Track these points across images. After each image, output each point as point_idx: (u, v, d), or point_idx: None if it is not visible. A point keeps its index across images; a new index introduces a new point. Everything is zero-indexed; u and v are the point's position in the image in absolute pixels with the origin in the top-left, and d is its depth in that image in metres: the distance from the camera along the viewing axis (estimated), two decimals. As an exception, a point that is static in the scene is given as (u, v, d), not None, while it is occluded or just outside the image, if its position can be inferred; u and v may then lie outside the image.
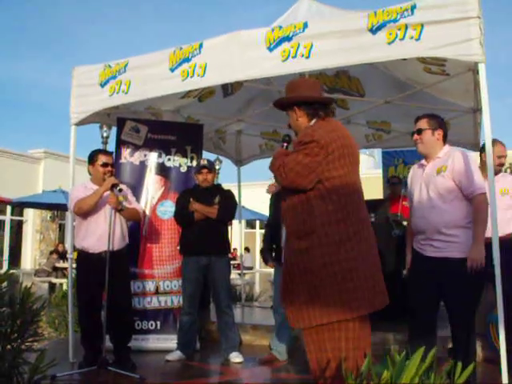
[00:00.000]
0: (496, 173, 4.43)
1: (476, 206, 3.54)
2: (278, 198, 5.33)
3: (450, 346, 4.15)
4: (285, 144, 3.31)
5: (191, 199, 5.14)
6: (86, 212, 4.69)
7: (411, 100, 6.25)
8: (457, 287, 3.46)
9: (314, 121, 3.17)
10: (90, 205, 4.65)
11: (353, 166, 3.10)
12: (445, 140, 3.78)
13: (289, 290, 3.10)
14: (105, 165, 4.85)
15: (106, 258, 4.60)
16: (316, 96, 3.23)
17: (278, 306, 5.33)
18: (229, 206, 5.35)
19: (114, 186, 4.69)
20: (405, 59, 4.78)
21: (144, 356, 5.09)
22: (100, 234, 4.71)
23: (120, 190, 4.74)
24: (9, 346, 3.27)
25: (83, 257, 4.79)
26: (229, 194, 5.45)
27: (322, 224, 2.96)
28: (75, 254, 4.96)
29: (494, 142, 4.31)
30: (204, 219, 5.13)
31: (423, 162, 3.79)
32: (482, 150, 4.54)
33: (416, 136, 3.75)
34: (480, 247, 3.45)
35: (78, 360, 4.77)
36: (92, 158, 4.90)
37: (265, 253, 5.44)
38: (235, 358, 5.10)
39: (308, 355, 3.08)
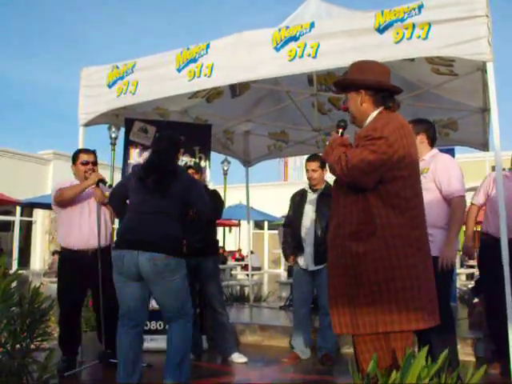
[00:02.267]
0: None
1: (453, 207, 3.69)
2: (301, 199, 5.34)
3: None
4: (340, 130, 2.98)
5: None
6: (65, 201, 4.63)
7: (419, 100, 6.23)
8: None
9: (379, 109, 2.90)
10: (71, 194, 4.60)
11: (416, 167, 2.91)
12: (432, 143, 3.91)
13: (340, 294, 2.84)
14: (85, 163, 4.80)
15: (91, 255, 4.62)
16: (389, 84, 2.93)
17: (298, 307, 5.34)
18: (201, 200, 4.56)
19: (100, 181, 4.69)
20: (412, 60, 4.78)
21: (154, 356, 5.09)
22: (85, 230, 4.68)
23: (110, 186, 4.76)
24: (18, 345, 3.29)
25: (67, 255, 4.72)
26: (212, 192, 5.33)
27: (383, 227, 2.73)
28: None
29: None
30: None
31: None
32: None
33: None
34: (452, 247, 3.61)
35: (86, 358, 4.79)
36: (74, 158, 4.87)
37: (286, 248, 5.41)
38: (238, 358, 5.11)
39: (362, 364, 2.78)
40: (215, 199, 5.23)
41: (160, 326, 5.56)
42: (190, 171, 5.03)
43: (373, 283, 2.71)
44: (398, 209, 2.74)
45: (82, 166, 4.79)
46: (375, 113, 2.90)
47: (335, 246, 2.88)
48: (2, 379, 2.95)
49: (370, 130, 2.79)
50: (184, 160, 5.85)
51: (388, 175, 2.74)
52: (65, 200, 4.63)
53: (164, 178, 3.79)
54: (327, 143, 3.03)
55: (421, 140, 3.81)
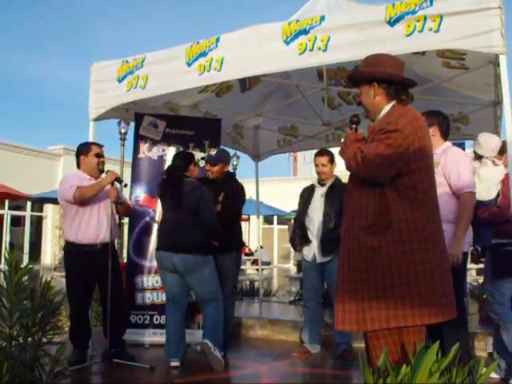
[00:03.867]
0: None
1: (461, 203, 3.61)
2: (309, 194, 5.33)
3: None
4: (353, 126, 2.95)
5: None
6: (86, 200, 4.65)
7: (429, 94, 6.18)
8: None
9: (392, 103, 2.88)
10: (92, 194, 4.63)
11: (430, 160, 2.87)
12: (445, 136, 3.82)
13: (347, 289, 2.80)
14: (98, 155, 4.84)
15: (100, 249, 4.66)
16: (403, 77, 2.89)
17: (307, 301, 5.34)
18: (229, 209, 5.00)
19: (116, 180, 4.72)
20: (423, 54, 4.74)
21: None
22: (96, 225, 4.71)
23: (126, 185, 4.80)
24: (30, 339, 3.31)
25: (76, 249, 4.72)
26: (235, 190, 5.11)
27: (398, 220, 2.70)
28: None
29: None
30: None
31: None
32: None
33: None
34: (458, 243, 3.53)
35: (96, 353, 4.82)
36: (85, 149, 4.87)
37: (294, 239, 5.38)
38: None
39: (374, 359, 2.75)
40: (237, 196, 5.09)
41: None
42: (207, 167, 5.04)
43: (386, 277, 2.68)
44: (414, 202, 2.72)
45: (96, 159, 4.82)
46: (388, 106, 2.88)
47: (348, 239, 2.85)
48: (14, 371, 2.97)
49: (384, 124, 2.78)
50: (202, 155, 5.77)
51: (405, 169, 2.72)
52: (86, 199, 4.65)
53: (176, 195, 4.64)
54: (342, 140, 3.01)
55: (433, 133, 3.70)
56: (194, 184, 4.73)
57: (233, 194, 5.06)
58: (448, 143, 3.82)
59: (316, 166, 5.27)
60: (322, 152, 5.31)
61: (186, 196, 4.62)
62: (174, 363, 4.65)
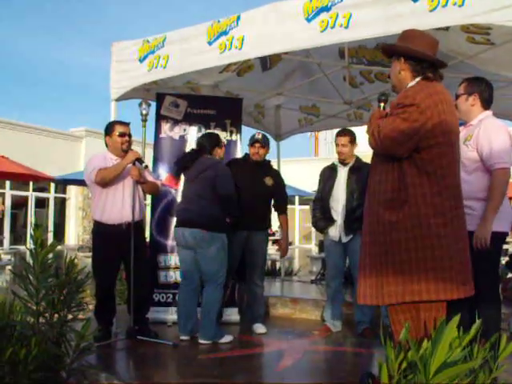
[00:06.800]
0: None
1: (492, 180, 3.32)
2: (330, 173, 5.33)
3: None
4: (381, 104, 2.99)
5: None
6: (107, 182, 4.68)
7: (453, 71, 6.07)
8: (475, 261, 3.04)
9: (417, 79, 2.87)
10: (113, 175, 4.65)
11: (452, 135, 2.81)
12: (486, 105, 3.55)
13: (369, 264, 2.82)
14: (122, 134, 4.82)
15: (126, 229, 4.69)
16: (427, 54, 2.86)
17: (330, 280, 5.36)
18: (285, 195, 5.59)
19: (137, 160, 4.73)
20: (447, 29, 4.64)
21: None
22: (120, 205, 4.73)
23: (146, 167, 4.81)
24: (56, 315, 3.38)
25: (102, 229, 4.78)
26: (280, 179, 5.55)
27: (415, 195, 2.69)
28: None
29: None
30: (251, 197, 5.15)
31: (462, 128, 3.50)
32: None
33: (454, 101, 3.46)
34: (486, 225, 3.26)
35: (120, 330, 4.90)
36: (109, 129, 4.88)
37: (317, 222, 5.40)
38: (258, 329, 5.24)
39: (394, 335, 2.77)
40: (281, 187, 5.54)
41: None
42: (257, 145, 5.29)
43: (403, 252, 2.70)
44: (433, 177, 2.71)
45: (119, 138, 4.81)
46: (413, 82, 2.87)
47: (369, 214, 2.88)
48: (42, 347, 3.04)
49: (401, 98, 2.78)
50: (224, 134, 5.95)
51: (424, 143, 2.70)
52: (107, 181, 4.68)
53: (199, 168, 4.77)
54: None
55: (473, 102, 3.51)
56: (211, 160, 4.86)
57: (280, 180, 5.52)
58: (487, 113, 3.52)
59: (336, 145, 5.26)
60: (344, 132, 5.28)
61: (203, 171, 4.75)
62: (182, 337, 4.77)
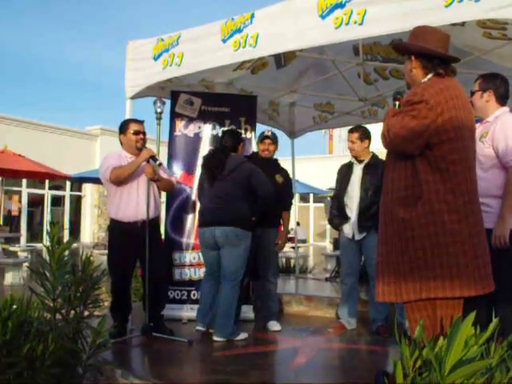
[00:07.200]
0: None
1: (508, 177, 3.27)
2: (347, 171, 5.33)
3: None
4: (396, 102, 2.95)
5: None
6: (122, 181, 4.69)
7: (468, 67, 6.03)
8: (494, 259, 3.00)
9: (429, 76, 2.85)
10: (128, 174, 4.65)
11: (465, 130, 2.77)
12: (502, 102, 3.50)
13: (386, 261, 2.82)
14: (136, 133, 4.82)
15: (141, 227, 4.69)
16: (437, 51, 2.84)
17: (345, 277, 5.36)
18: (291, 193, 5.70)
19: (152, 158, 4.74)
20: (463, 25, 4.60)
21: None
22: (135, 203, 4.74)
23: (160, 164, 4.81)
24: (73, 311, 3.41)
25: (118, 227, 4.80)
26: (289, 177, 5.61)
27: (429, 191, 2.68)
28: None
29: None
30: None
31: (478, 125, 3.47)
32: None
33: (470, 99, 3.42)
34: (504, 223, 3.21)
35: (136, 327, 4.92)
36: (123, 127, 4.89)
37: (333, 219, 5.43)
38: (273, 326, 5.25)
39: (411, 333, 2.78)
40: (291, 181, 5.61)
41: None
42: (267, 141, 5.39)
43: (418, 249, 2.69)
44: (445, 173, 2.70)
45: (134, 136, 4.81)
46: (425, 79, 2.85)
47: (385, 212, 2.88)
48: (59, 342, 3.07)
49: (410, 95, 2.77)
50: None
51: (435, 140, 2.69)
52: (121, 179, 4.69)
53: (225, 168, 4.80)
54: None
55: (487, 98, 3.47)
56: (239, 158, 4.98)
57: (289, 178, 5.59)
58: (503, 109, 3.47)
59: (348, 142, 5.28)
60: (354, 128, 5.30)
61: (232, 170, 4.81)
62: (198, 327, 4.86)
